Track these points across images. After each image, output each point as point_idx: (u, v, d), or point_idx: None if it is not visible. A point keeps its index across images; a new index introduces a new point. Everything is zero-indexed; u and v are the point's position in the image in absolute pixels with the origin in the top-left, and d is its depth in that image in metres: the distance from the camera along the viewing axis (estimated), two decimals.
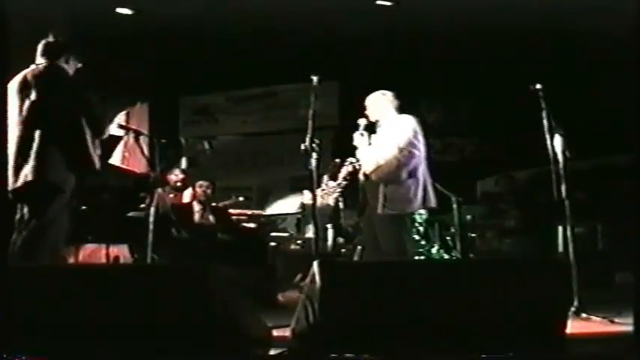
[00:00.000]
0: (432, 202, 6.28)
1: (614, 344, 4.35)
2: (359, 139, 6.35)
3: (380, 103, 6.39)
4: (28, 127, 4.71)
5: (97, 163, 4.89)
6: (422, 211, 9.01)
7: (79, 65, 5.16)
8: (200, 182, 8.32)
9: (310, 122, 5.56)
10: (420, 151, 6.14)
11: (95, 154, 4.89)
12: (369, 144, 6.32)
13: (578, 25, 8.79)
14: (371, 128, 6.39)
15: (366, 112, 6.40)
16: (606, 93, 9.16)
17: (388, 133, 6.19)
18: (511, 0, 8.26)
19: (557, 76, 8.22)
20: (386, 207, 6.04)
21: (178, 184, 8.36)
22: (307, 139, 5.48)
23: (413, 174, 6.11)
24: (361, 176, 6.42)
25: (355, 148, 6.44)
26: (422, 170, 6.18)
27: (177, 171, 8.56)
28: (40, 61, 5.01)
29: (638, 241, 4.17)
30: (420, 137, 6.16)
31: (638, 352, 3.55)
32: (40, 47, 5.05)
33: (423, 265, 4.90)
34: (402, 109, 6.39)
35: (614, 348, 4.24)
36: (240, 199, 8.85)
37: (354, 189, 7.12)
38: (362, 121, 6.35)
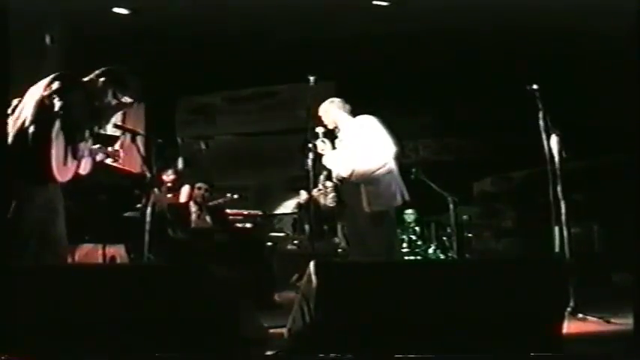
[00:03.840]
0: (407, 195, 6.37)
1: (611, 344, 4.36)
2: (322, 146, 6.41)
3: (331, 111, 6.48)
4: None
5: (61, 178, 4.82)
6: (410, 211, 9.12)
7: (129, 101, 5.16)
8: (199, 184, 8.31)
9: (307, 122, 5.59)
10: (389, 148, 6.21)
11: (64, 167, 4.82)
12: (334, 149, 6.42)
13: (576, 25, 8.81)
14: (331, 135, 6.48)
15: (323, 121, 6.49)
16: (603, 93, 9.18)
17: (355, 135, 6.29)
18: (508, 0, 8.28)
19: (553, 76, 8.22)
20: (372, 204, 6.11)
21: (169, 184, 8.35)
22: (304, 140, 5.51)
23: (388, 170, 6.20)
24: (335, 180, 6.48)
25: (320, 155, 6.50)
26: (393, 165, 6.28)
27: (169, 171, 8.55)
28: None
29: (637, 241, 4.17)
30: (386, 134, 6.24)
31: (638, 353, 3.55)
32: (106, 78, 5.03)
33: (419, 265, 4.90)
34: (353, 112, 6.48)
35: (610, 348, 4.25)
36: (235, 196, 8.84)
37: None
38: (320, 130, 6.41)
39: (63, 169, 4.81)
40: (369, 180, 6.17)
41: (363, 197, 6.16)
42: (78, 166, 4.94)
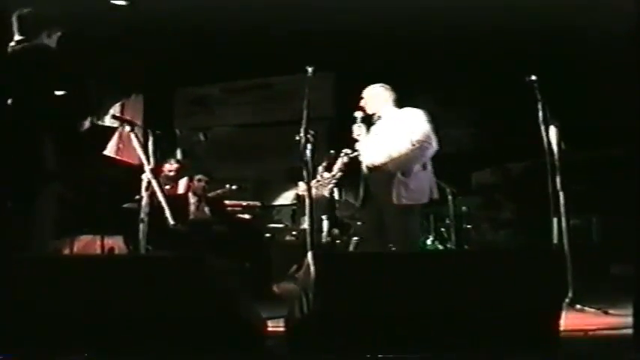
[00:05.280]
0: (436, 193, 6.35)
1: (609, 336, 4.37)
2: (358, 131, 6.37)
3: (380, 96, 6.44)
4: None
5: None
6: None
7: (59, 34, 5.00)
8: (199, 176, 8.31)
9: (305, 113, 5.56)
10: (433, 145, 6.17)
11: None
12: (368, 136, 6.36)
13: (575, 16, 8.79)
14: (368, 120, 6.43)
15: (363, 104, 6.44)
16: (602, 85, 9.16)
17: (399, 125, 6.25)
18: None
19: (552, 67, 8.21)
20: (402, 198, 6.08)
21: (172, 173, 8.34)
22: (302, 130, 5.49)
23: (425, 166, 6.20)
24: (365, 168, 6.43)
25: (353, 139, 6.45)
26: (430, 163, 6.25)
27: (172, 160, 8.54)
28: (19, 38, 4.85)
29: (637, 233, 4.16)
30: (432, 131, 6.20)
31: (638, 349, 3.54)
32: (16, 22, 4.88)
33: (417, 256, 4.90)
34: (399, 102, 6.45)
35: (609, 339, 4.25)
36: (234, 187, 8.84)
37: (351, 180, 7.13)
38: (358, 114, 6.38)
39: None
40: (405, 173, 6.14)
41: (394, 189, 6.11)
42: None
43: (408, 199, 6.11)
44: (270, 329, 4.11)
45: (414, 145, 6.12)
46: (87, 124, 5.01)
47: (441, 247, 9.04)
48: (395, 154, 6.14)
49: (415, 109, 6.33)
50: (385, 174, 6.18)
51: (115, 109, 10.70)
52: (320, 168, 8.30)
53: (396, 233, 6.14)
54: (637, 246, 4.05)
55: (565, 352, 3.61)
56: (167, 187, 8.09)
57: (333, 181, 8.23)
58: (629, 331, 3.69)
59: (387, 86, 6.50)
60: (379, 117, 6.42)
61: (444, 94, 11.45)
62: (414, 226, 6.42)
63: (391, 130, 6.27)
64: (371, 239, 6.58)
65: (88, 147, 5.05)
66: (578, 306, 5.17)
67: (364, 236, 7.04)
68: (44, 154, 4.64)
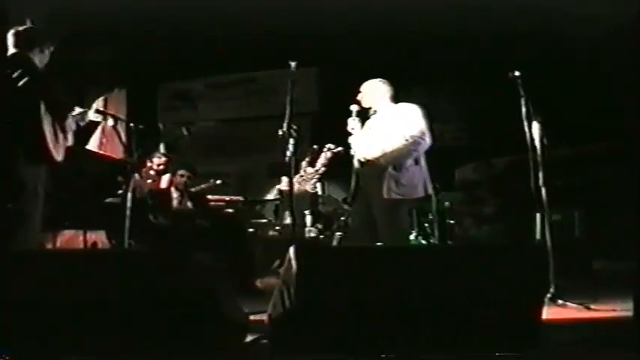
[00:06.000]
0: (430, 189, 6.36)
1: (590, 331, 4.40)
2: (352, 124, 6.36)
3: (378, 91, 6.43)
4: None
5: (58, 156, 4.85)
6: None
7: (52, 49, 5.10)
8: (181, 171, 8.26)
9: (288, 108, 5.55)
10: (426, 140, 6.17)
11: (57, 145, 4.84)
12: (362, 130, 6.35)
13: (558, 12, 8.81)
14: (363, 115, 6.42)
15: (359, 98, 6.42)
16: (585, 81, 9.19)
17: (394, 120, 6.25)
18: None
19: (535, 63, 8.23)
20: (392, 192, 6.08)
21: (161, 167, 8.28)
22: (285, 125, 5.47)
23: (417, 161, 6.19)
24: (356, 162, 6.41)
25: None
26: (424, 158, 6.25)
27: (159, 154, 8.48)
28: (13, 51, 4.96)
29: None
30: (426, 126, 6.19)
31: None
32: (11, 37, 4.99)
33: (399, 251, 4.91)
34: (396, 98, 6.44)
35: (590, 334, 4.28)
36: (218, 182, 8.81)
37: (335, 175, 7.11)
38: (354, 107, 6.36)
39: (56, 146, 4.83)
40: (396, 167, 6.13)
41: (385, 183, 6.11)
42: (67, 140, 4.97)
43: (398, 194, 6.11)
44: (252, 323, 4.11)
45: (407, 139, 6.12)
46: (73, 125, 5.05)
47: (424, 242, 9.05)
48: (388, 148, 6.15)
49: (411, 104, 6.34)
50: (377, 168, 6.18)
51: (99, 104, 10.65)
52: (303, 163, 8.29)
53: (384, 227, 6.14)
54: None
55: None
56: (149, 181, 8.06)
57: (317, 176, 8.23)
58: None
59: (385, 81, 6.49)
60: (375, 111, 6.42)
61: (428, 89, 11.48)
62: (403, 220, 6.42)
63: (386, 124, 6.27)
64: (359, 234, 6.56)
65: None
66: (560, 301, 5.19)
67: (353, 231, 7.02)
68: (23, 154, 4.67)
